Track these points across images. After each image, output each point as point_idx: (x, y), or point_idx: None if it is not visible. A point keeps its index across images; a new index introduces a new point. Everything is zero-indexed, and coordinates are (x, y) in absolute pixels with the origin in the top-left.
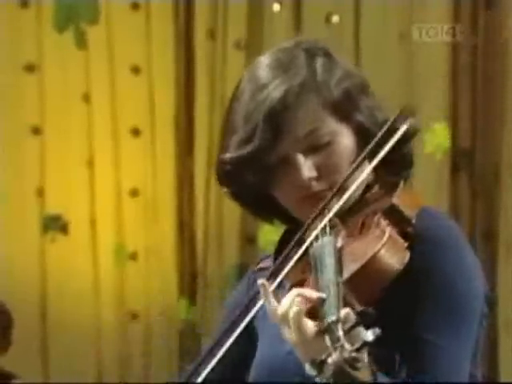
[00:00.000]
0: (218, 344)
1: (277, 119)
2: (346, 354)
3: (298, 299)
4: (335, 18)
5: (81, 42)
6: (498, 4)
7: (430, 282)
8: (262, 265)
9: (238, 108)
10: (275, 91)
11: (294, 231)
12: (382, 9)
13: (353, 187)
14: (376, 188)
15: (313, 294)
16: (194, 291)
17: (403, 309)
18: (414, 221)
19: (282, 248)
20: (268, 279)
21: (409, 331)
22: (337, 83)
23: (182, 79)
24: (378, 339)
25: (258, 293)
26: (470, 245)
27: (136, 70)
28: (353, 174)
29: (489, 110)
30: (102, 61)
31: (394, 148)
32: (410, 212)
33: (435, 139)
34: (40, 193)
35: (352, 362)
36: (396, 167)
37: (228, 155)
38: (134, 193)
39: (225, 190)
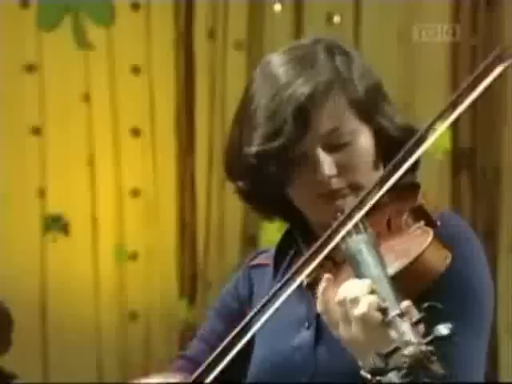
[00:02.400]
0: (229, 344)
1: (305, 115)
2: (423, 348)
3: (370, 289)
4: (336, 19)
5: (82, 42)
6: (497, 4)
7: (446, 281)
8: (257, 261)
9: (258, 107)
10: (303, 87)
11: (297, 232)
12: (382, 9)
13: (381, 193)
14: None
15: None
16: (195, 292)
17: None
18: (438, 223)
19: (284, 248)
20: (295, 274)
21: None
22: (359, 80)
23: (182, 79)
24: None
25: (270, 292)
26: None
27: (136, 70)
28: (383, 182)
29: (489, 111)
30: (103, 61)
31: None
32: (434, 213)
33: (435, 139)
34: (41, 193)
35: (429, 355)
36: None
37: (253, 149)
38: (135, 193)
39: (236, 183)
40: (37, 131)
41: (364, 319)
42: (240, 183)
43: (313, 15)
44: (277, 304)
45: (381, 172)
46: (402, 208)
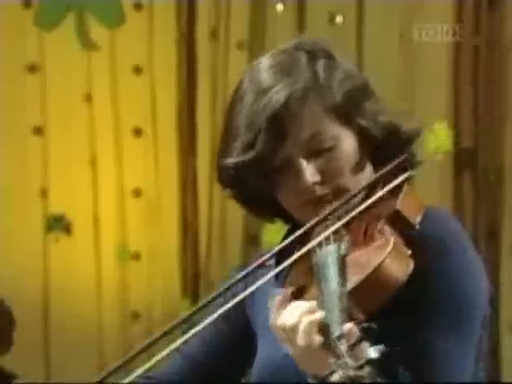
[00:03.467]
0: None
1: (279, 124)
2: (351, 372)
3: (308, 309)
4: (339, 19)
5: (86, 42)
6: (500, 4)
7: (434, 286)
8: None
9: (240, 112)
10: (277, 95)
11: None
12: (385, 9)
13: (363, 206)
14: (378, 191)
15: (318, 313)
16: (197, 291)
17: (407, 313)
18: (417, 226)
19: (286, 248)
20: (266, 273)
21: (413, 335)
22: (339, 86)
23: (184, 79)
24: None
25: (251, 281)
26: (474, 245)
27: (138, 70)
28: (363, 191)
29: (491, 110)
30: (104, 61)
31: (397, 150)
32: (413, 216)
33: (437, 139)
34: (43, 193)
35: (356, 380)
36: (398, 169)
37: (231, 160)
38: (137, 193)
39: (228, 191)
40: (39, 131)
41: (306, 343)
42: (230, 191)
43: (315, 15)
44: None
45: (367, 173)
46: (380, 213)
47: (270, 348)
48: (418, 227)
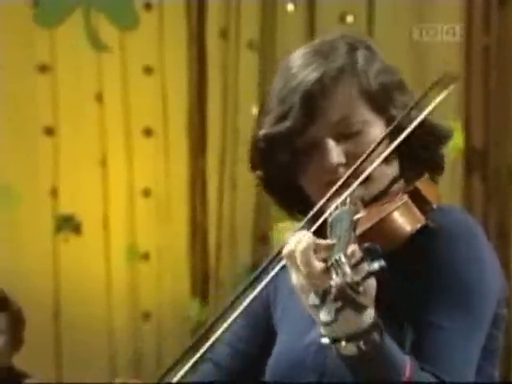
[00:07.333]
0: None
1: (312, 101)
2: (348, 279)
3: (307, 237)
4: (349, 18)
5: (96, 43)
6: (510, 4)
7: (441, 268)
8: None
9: (273, 91)
10: (312, 73)
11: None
12: (395, 9)
13: (374, 165)
14: (401, 182)
15: (322, 241)
16: (207, 291)
17: (413, 292)
18: (434, 207)
19: None
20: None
21: (414, 313)
22: (375, 76)
23: (194, 79)
24: (388, 317)
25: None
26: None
27: (149, 70)
28: (374, 151)
29: (502, 110)
30: (115, 61)
31: (427, 148)
32: (430, 198)
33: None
34: (53, 193)
35: (354, 286)
36: (423, 168)
37: (262, 132)
38: (147, 193)
39: (255, 174)
40: (49, 131)
41: (306, 268)
42: (258, 172)
43: (325, 15)
44: (263, 283)
45: (393, 167)
46: (401, 190)
47: (288, 340)
48: (435, 208)
